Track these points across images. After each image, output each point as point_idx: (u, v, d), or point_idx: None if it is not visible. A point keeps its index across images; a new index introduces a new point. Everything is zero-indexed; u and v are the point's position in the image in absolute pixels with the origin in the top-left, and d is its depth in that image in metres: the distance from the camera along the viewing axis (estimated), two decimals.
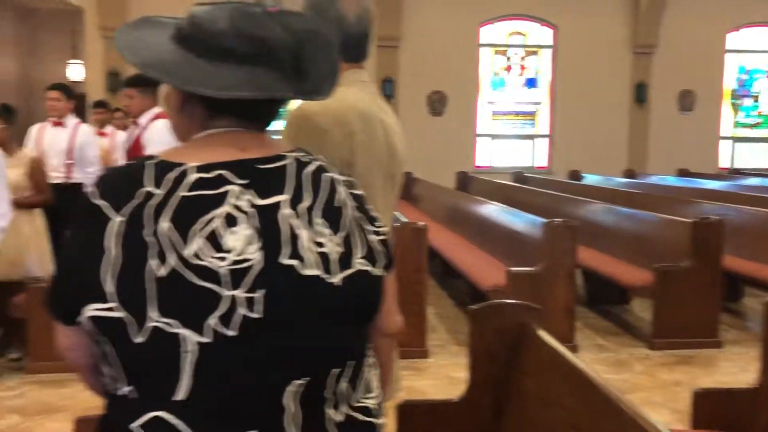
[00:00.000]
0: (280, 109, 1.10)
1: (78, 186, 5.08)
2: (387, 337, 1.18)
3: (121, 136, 5.97)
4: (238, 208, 0.96)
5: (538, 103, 11.78)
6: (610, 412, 1.46)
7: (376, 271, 1.06)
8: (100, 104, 6.50)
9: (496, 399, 2.00)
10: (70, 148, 5.11)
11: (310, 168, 1.05)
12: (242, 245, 0.94)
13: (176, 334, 0.92)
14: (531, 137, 11.84)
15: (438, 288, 6.41)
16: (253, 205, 0.97)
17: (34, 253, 4.26)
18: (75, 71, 11.94)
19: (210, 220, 0.94)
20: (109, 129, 6.00)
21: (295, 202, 1.00)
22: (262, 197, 0.98)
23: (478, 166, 11.50)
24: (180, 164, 0.97)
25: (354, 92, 1.63)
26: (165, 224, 0.93)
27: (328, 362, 1.01)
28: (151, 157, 0.99)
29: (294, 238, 0.98)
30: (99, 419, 1.10)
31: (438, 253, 5.92)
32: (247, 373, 0.95)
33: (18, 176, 4.19)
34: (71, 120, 5.23)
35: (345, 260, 1.02)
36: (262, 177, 1.00)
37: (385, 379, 1.21)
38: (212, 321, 0.93)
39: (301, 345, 0.98)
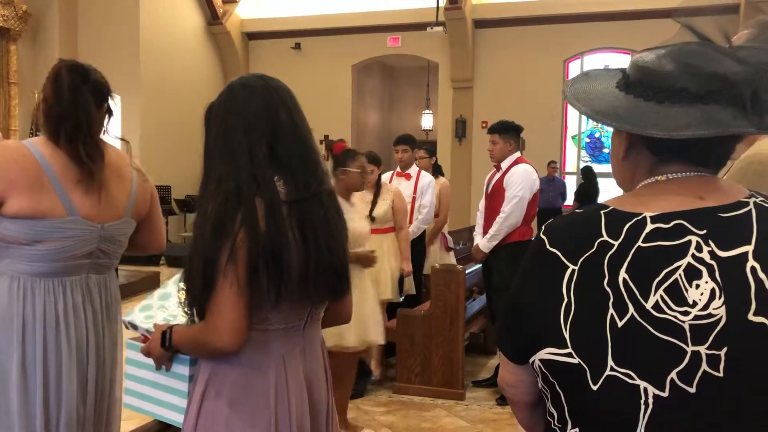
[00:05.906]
0: (731, 151, 1.04)
1: None
2: None
3: (425, 177, 5.37)
4: (699, 260, 0.93)
5: None
6: None
7: None
8: (406, 142, 5.46)
9: None
10: None
11: None
12: (706, 299, 0.91)
13: (636, 386, 0.92)
14: None
15: None
16: (715, 257, 0.93)
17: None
18: (427, 120, 13.20)
19: (671, 272, 0.93)
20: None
21: (760, 254, 0.93)
22: (724, 249, 0.93)
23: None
24: (635, 214, 0.97)
25: None
26: (623, 275, 0.94)
27: None
28: (603, 206, 1.02)
29: (762, 292, 0.91)
30: None
31: None
32: None
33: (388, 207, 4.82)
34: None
35: None
36: (723, 226, 0.95)
37: None
38: (673, 376, 0.91)
39: (765, 410, 0.90)
